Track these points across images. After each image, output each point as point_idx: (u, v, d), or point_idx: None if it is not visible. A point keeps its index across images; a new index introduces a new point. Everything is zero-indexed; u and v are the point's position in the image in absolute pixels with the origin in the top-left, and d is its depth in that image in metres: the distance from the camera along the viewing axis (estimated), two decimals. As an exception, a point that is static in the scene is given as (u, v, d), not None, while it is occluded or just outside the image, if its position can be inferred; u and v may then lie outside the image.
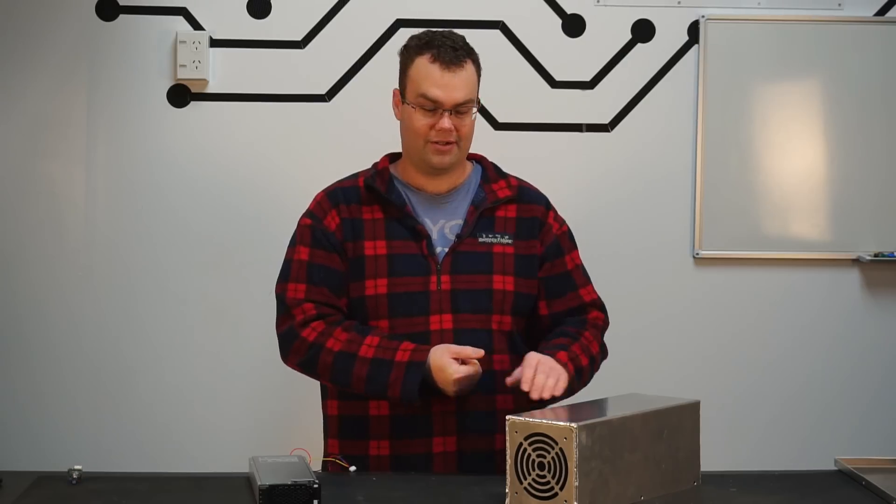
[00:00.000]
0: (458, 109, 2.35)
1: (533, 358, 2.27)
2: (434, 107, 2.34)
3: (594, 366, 2.44)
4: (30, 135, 3.54)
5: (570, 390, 2.34)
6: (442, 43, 2.36)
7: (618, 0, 3.56)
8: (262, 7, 3.53)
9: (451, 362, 2.24)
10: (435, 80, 2.34)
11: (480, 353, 2.25)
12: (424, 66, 2.35)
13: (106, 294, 3.54)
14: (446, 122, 2.34)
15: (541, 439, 1.91)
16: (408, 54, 2.40)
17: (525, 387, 2.21)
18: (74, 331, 3.54)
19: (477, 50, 2.43)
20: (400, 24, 3.52)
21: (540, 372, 2.23)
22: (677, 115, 3.58)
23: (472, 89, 2.38)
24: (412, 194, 2.44)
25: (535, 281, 2.44)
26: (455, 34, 2.41)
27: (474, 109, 2.39)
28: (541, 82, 3.57)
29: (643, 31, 3.58)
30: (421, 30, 2.46)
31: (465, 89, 2.35)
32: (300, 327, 2.36)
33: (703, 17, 3.56)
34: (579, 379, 2.37)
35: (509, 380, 2.28)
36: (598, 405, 2.15)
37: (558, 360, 2.29)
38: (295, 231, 2.46)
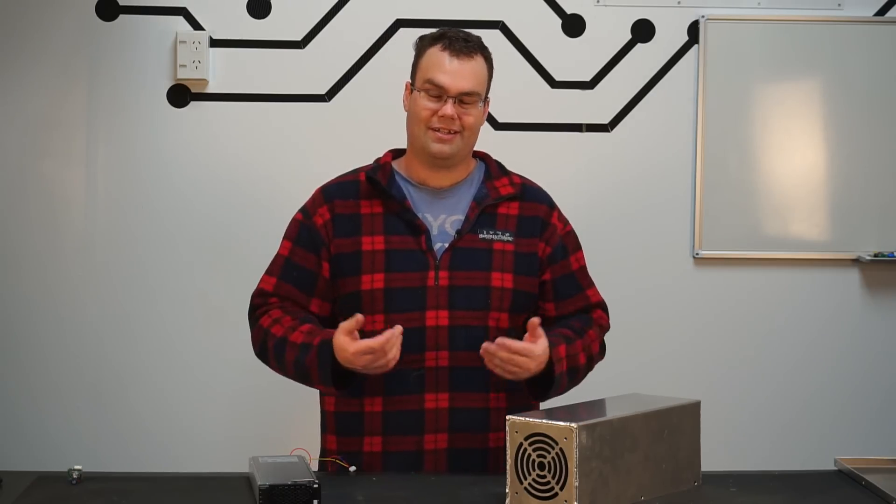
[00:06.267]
0: (464, 99, 2.36)
1: (533, 346, 2.23)
2: (439, 93, 2.36)
3: (590, 366, 2.44)
4: (30, 135, 3.54)
5: (561, 388, 2.34)
6: (455, 35, 2.40)
7: (618, 0, 3.56)
8: (262, 7, 3.53)
9: (344, 340, 2.20)
10: (443, 66, 2.36)
11: (360, 318, 2.21)
12: (435, 53, 2.38)
13: (106, 293, 3.54)
14: (449, 108, 2.34)
15: (541, 439, 1.91)
16: (421, 45, 2.44)
17: (491, 359, 2.21)
18: (75, 330, 3.54)
19: (477, 50, 2.43)
20: (400, 24, 3.52)
21: (522, 358, 2.21)
22: (677, 115, 3.58)
23: (480, 82, 2.39)
24: (413, 189, 2.44)
25: (535, 279, 2.43)
26: (472, 34, 2.44)
27: (481, 104, 2.39)
28: (541, 82, 3.57)
29: (643, 31, 3.58)
30: (426, 30, 2.48)
31: (472, 79, 2.36)
32: (260, 315, 2.43)
33: (703, 17, 3.56)
34: (572, 378, 2.36)
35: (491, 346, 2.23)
36: (598, 405, 2.15)
37: (556, 354, 2.27)
38: (289, 223, 2.49)
